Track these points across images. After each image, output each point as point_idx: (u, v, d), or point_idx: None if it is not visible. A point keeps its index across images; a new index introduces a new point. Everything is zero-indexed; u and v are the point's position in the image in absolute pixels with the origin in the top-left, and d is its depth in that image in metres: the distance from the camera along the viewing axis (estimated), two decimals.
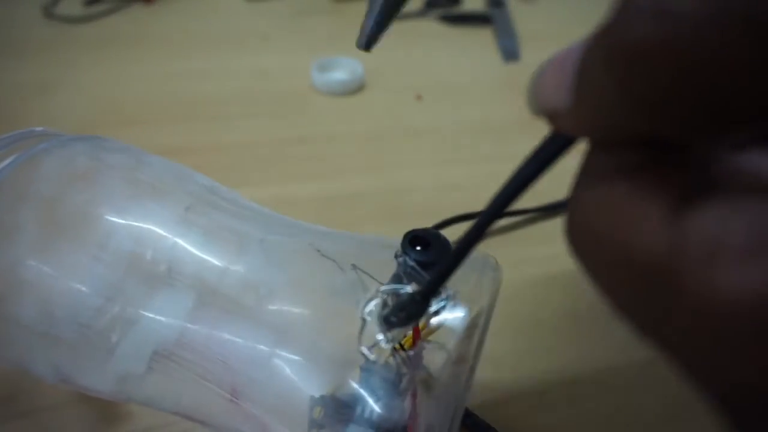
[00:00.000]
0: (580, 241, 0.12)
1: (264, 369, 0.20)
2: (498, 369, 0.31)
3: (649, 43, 0.09)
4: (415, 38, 0.69)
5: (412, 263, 0.19)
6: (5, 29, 0.66)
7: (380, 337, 0.18)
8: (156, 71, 0.59)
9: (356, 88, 0.57)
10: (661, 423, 0.30)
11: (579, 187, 0.12)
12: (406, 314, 0.17)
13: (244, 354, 0.21)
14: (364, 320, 0.18)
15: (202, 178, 0.26)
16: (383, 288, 0.18)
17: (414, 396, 0.19)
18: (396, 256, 0.20)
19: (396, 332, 0.18)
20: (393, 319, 0.17)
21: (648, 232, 0.10)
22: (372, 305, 0.18)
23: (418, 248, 0.20)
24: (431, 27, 0.72)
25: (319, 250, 0.22)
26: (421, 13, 0.73)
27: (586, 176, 0.12)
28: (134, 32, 0.67)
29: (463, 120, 0.55)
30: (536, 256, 0.38)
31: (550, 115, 0.12)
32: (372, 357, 0.18)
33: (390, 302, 0.18)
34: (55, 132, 0.26)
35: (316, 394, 0.19)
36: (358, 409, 0.18)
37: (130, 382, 0.22)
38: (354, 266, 0.20)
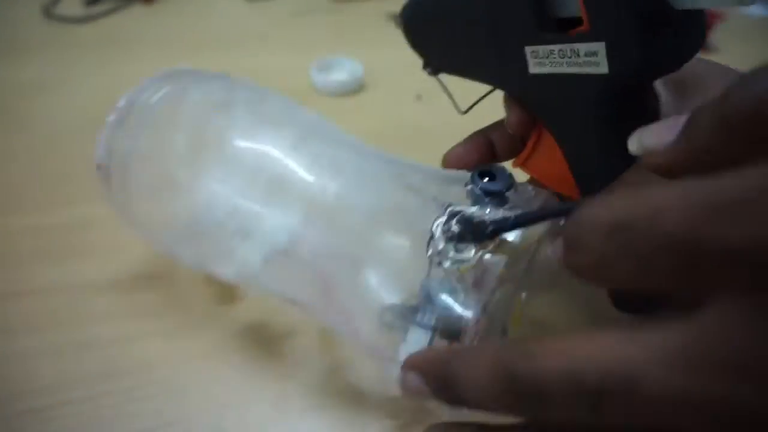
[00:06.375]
0: None
1: (351, 272, 0.24)
2: None
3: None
4: None
5: (479, 191, 0.23)
6: (5, 29, 0.66)
7: (442, 246, 0.21)
8: (156, 71, 0.59)
9: (356, 89, 0.57)
10: None
11: None
12: (473, 237, 0.21)
13: (337, 258, 0.25)
14: (432, 234, 0.22)
15: (311, 113, 0.30)
16: (451, 208, 0.22)
17: (472, 306, 0.21)
18: (465, 185, 0.24)
19: (461, 247, 0.21)
20: (462, 236, 0.21)
21: None
22: (441, 222, 0.22)
23: (486, 179, 0.24)
24: None
25: (403, 179, 0.26)
26: None
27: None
28: (134, 32, 0.67)
29: (463, 120, 0.55)
30: None
31: (648, 153, 0.18)
32: (438, 263, 0.21)
33: (457, 221, 0.22)
34: (196, 70, 0.31)
35: (389, 301, 0.23)
36: (419, 315, 0.21)
37: (249, 272, 0.27)
38: (435, 198, 0.24)
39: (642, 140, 0.19)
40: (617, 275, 0.13)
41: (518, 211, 0.21)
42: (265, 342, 0.32)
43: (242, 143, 0.27)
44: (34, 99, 0.53)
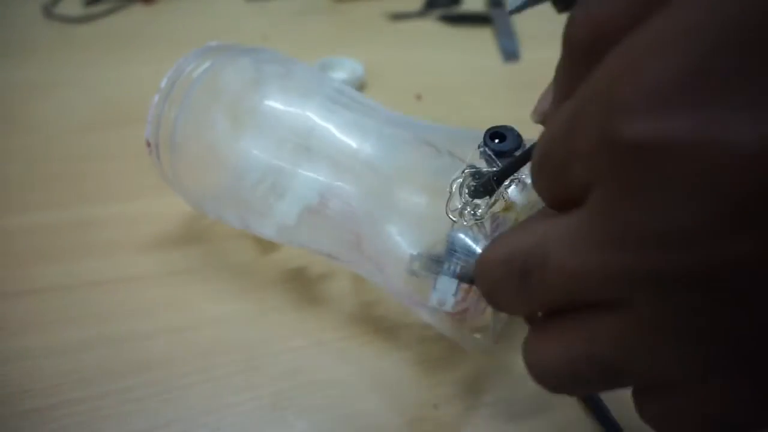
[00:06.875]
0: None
1: (379, 225, 0.27)
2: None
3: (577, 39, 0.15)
4: (415, 38, 0.69)
5: (489, 152, 0.25)
6: (5, 29, 0.66)
7: (460, 205, 0.24)
8: (156, 71, 0.59)
9: (356, 88, 0.57)
10: None
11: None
12: (484, 190, 0.23)
13: (366, 213, 0.28)
14: (450, 192, 0.24)
15: (335, 81, 0.33)
16: (466, 170, 0.24)
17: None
18: (479, 147, 0.25)
19: (477, 203, 0.24)
20: (476, 191, 0.24)
21: None
22: (457, 182, 0.24)
23: (496, 140, 0.25)
24: (431, 27, 0.72)
25: (423, 138, 0.29)
26: (421, 13, 0.73)
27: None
28: (134, 32, 0.67)
29: (463, 120, 0.55)
30: None
31: (541, 114, 0.24)
32: (456, 220, 0.24)
33: (471, 180, 0.24)
34: (226, 45, 0.35)
35: (415, 251, 0.25)
36: (446, 264, 0.24)
37: (287, 230, 0.30)
38: (450, 153, 0.26)
39: (538, 109, 0.23)
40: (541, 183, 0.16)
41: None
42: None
43: (273, 112, 0.30)
44: (34, 99, 0.53)
